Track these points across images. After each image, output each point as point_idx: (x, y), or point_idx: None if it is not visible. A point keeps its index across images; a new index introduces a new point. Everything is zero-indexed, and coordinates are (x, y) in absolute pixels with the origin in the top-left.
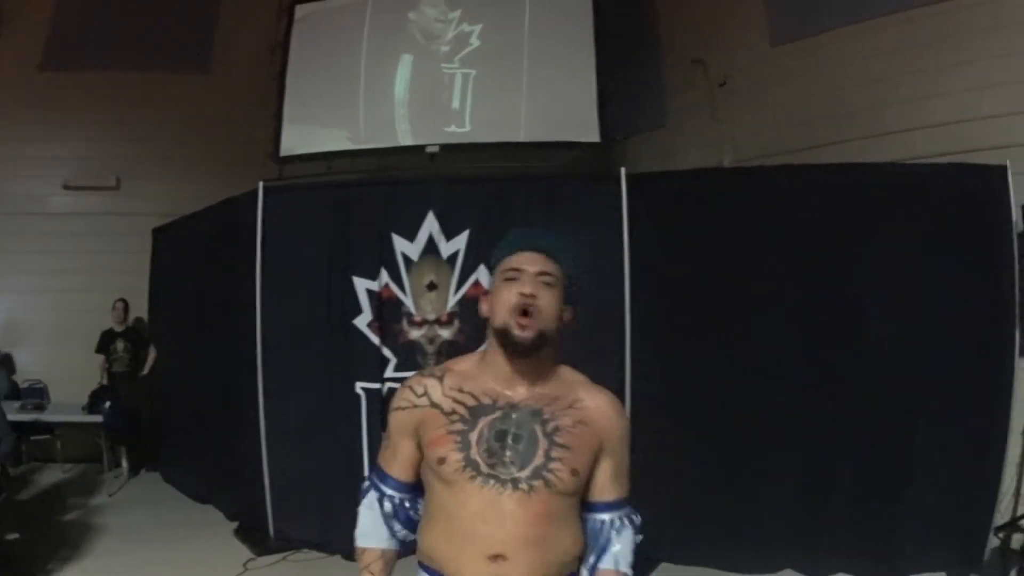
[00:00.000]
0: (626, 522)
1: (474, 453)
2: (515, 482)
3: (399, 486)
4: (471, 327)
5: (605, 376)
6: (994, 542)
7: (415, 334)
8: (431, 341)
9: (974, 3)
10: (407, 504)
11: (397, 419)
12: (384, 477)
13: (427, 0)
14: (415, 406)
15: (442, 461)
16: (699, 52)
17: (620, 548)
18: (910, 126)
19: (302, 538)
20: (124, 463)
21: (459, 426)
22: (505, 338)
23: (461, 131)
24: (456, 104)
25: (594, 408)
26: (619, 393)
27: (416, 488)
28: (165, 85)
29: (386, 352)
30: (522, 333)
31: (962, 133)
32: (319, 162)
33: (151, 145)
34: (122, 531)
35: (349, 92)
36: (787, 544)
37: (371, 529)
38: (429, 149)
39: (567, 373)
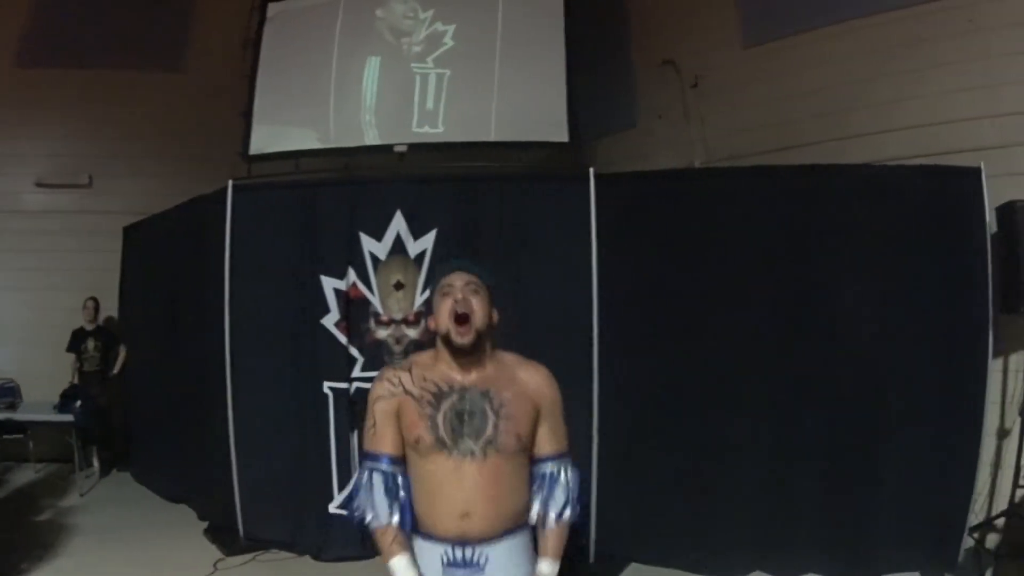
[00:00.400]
0: (563, 470)
1: (441, 432)
2: (473, 452)
3: (391, 460)
4: None
5: (572, 375)
6: (969, 542)
7: (382, 334)
8: (398, 341)
9: (949, 6)
10: (398, 479)
11: (381, 407)
12: (377, 457)
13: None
14: (393, 395)
15: (418, 440)
16: (670, 53)
17: (559, 494)
18: (882, 128)
19: (271, 538)
20: (95, 463)
21: (428, 410)
22: (449, 343)
23: (431, 131)
24: (427, 104)
25: (529, 381)
26: (587, 392)
27: (403, 461)
28: (139, 83)
29: (353, 352)
30: (461, 339)
31: (935, 136)
32: (288, 161)
33: (124, 143)
34: (94, 531)
35: (319, 91)
36: (757, 545)
37: (380, 508)
38: (397, 148)
39: (504, 356)
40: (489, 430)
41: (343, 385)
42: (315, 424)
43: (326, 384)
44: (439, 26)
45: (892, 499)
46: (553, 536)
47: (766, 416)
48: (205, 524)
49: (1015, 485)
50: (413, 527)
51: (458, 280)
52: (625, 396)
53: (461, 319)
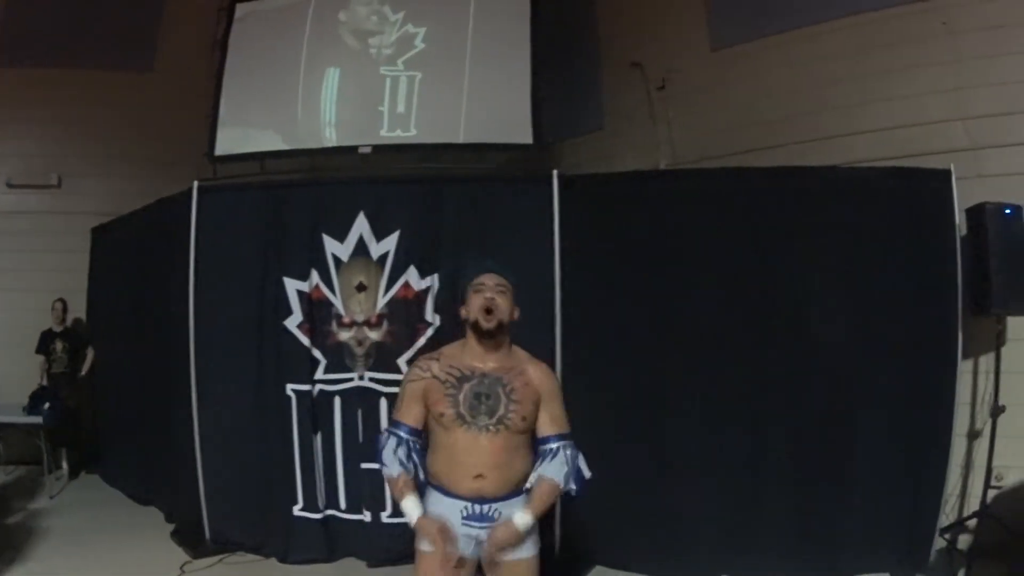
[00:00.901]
0: (561, 450)
1: (462, 409)
2: (487, 427)
3: (410, 431)
4: (400, 328)
5: None
6: (940, 543)
7: (344, 335)
8: (360, 343)
9: (921, 9)
10: (414, 445)
11: (411, 388)
12: (399, 425)
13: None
14: (422, 378)
15: (441, 415)
16: (638, 55)
17: (551, 465)
18: (851, 131)
19: (237, 541)
20: (65, 465)
21: (451, 391)
22: (476, 328)
23: (395, 132)
24: (392, 106)
25: (534, 374)
26: None
27: (420, 432)
28: (109, 83)
29: (316, 354)
30: (487, 324)
31: (904, 138)
32: (253, 162)
33: (93, 143)
34: (63, 533)
35: (285, 92)
36: (722, 548)
37: (392, 464)
38: (362, 150)
39: (517, 351)
40: (501, 410)
41: (306, 387)
42: (279, 426)
43: (289, 386)
44: (410, 28)
45: (861, 500)
46: (537, 495)
47: (732, 417)
48: (172, 527)
49: (987, 486)
50: (436, 486)
51: (489, 280)
52: (589, 398)
53: (489, 312)
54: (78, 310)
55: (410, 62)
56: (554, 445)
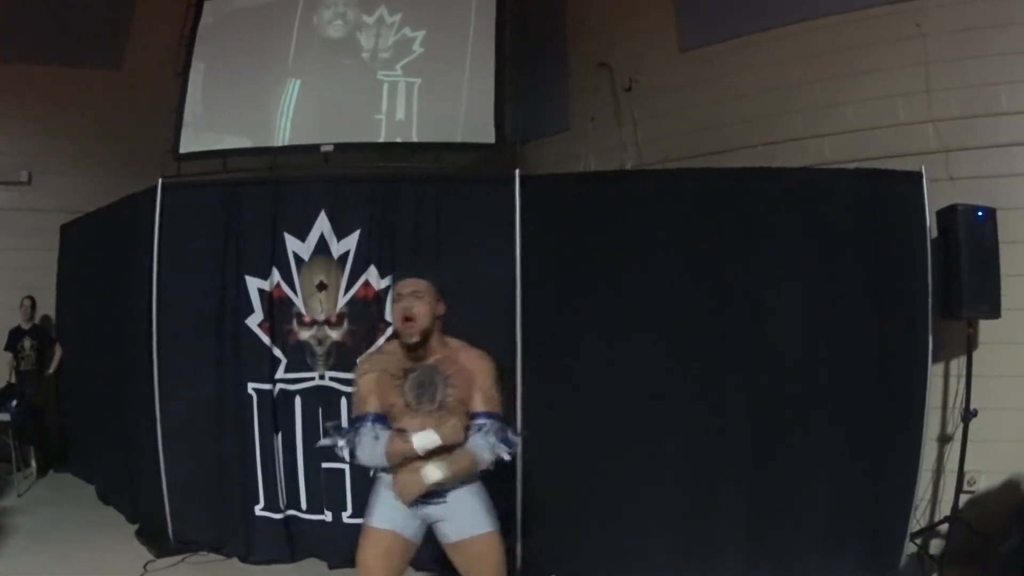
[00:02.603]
0: (489, 426)
1: (408, 398)
2: (430, 412)
3: (374, 417)
4: (361, 327)
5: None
6: (912, 548)
7: (305, 335)
8: (320, 342)
9: (892, 12)
10: (380, 428)
11: (366, 381)
12: (363, 418)
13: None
14: (375, 371)
15: (392, 406)
16: (606, 56)
17: (476, 439)
18: (820, 132)
19: (199, 540)
20: (33, 463)
21: (398, 382)
22: (400, 339)
23: (359, 130)
24: (353, 105)
25: (467, 360)
26: (510, 394)
27: (384, 418)
28: (78, 80)
29: (277, 353)
30: (409, 338)
31: (874, 140)
32: (216, 160)
33: (63, 140)
34: (28, 532)
35: (249, 91)
36: (681, 555)
37: (373, 453)
38: (324, 148)
39: (451, 341)
40: (439, 395)
41: (267, 386)
42: (240, 426)
43: (250, 385)
44: (382, 24)
45: (829, 505)
46: (455, 458)
47: (693, 420)
48: (137, 526)
49: (958, 490)
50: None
51: (405, 288)
52: (549, 398)
53: (408, 320)
54: (47, 308)
55: (378, 60)
56: (482, 421)
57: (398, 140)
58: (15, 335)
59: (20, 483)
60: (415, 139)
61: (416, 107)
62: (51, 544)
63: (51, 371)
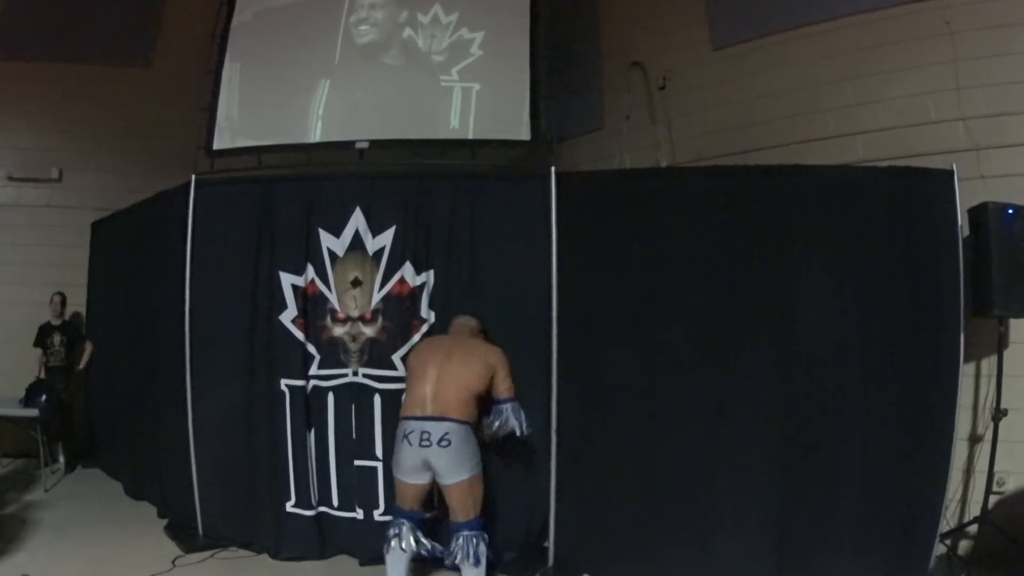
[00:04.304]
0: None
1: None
2: None
3: None
4: (395, 324)
5: (531, 373)
6: (941, 549)
7: (338, 331)
8: (354, 339)
9: (921, 9)
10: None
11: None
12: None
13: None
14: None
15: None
16: (639, 55)
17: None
18: (851, 131)
19: (230, 536)
20: (60, 458)
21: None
22: None
23: (394, 127)
24: (390, 101)
25: (488, 351)
26: (545, 389)
27: None
28: (109, 78)
29: (310, 349)
30: None
31: (905, 138)
32: (250, 156)
33: (94, 138)
34: (55, 526)
35: (283, 89)
36: (712, 555)
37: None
38: (359, 144)
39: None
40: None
41: (300, 383)
42: (272, 422)
43: (283, 381)
44: (408, 29)
45: (859, 505)
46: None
47: (725, 420)
48: (165, 521)
49: (988, 491)
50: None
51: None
52: (584, 394)
53: None
54: (76, 304)
55: (402, 56)
56: (509, 404)
57: (433, 137)
58: (45, 331)
59: (47, 478)
60: (453, 135)
61: (453, 104)
62: (79, 538)
63: (81, 367)
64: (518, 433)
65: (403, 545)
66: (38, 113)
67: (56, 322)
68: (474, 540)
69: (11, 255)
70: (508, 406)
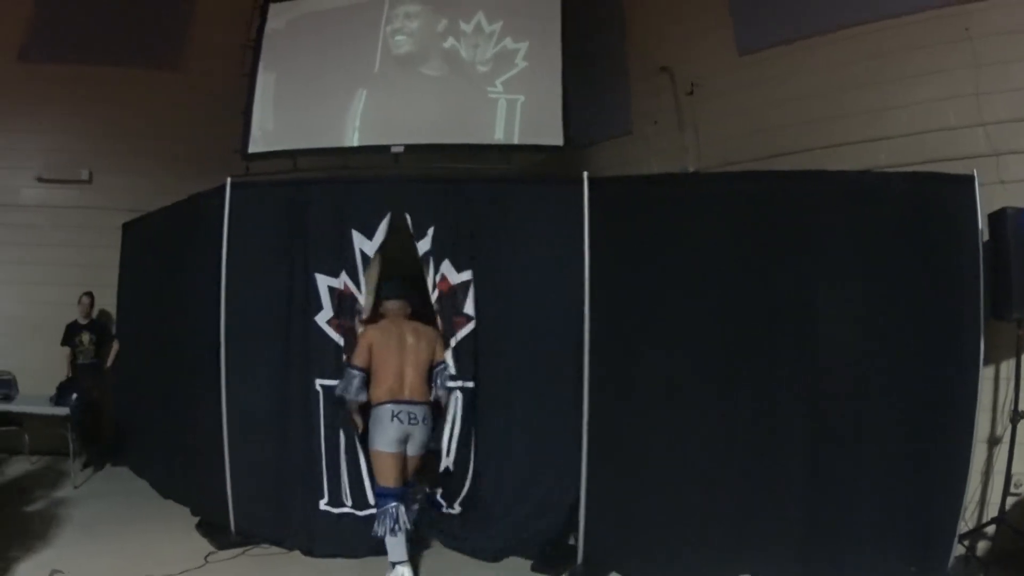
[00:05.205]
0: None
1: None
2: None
3: (362, 371)
4: (440, 322)
5: (564, 373)
6: (959, 550)
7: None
8: None
9: (942, 15)
10: (365, 381)
11: (365, 338)
12: (355, 367)
13: (396, 10)
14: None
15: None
16: (666, 60)
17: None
18: (875, 136)
19: (262, 533)
20: (91, 456)
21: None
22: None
23: (426, 132)
24: (430, 110)
25: (432, 332)
26: (578, 390)
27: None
28: (140, 80)
29: (343, 348)
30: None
31: (925, 143)
32: (285, 160)
33: (124, 140)
34: (86, 523)
35: (317, 92)
36: (736, 553)
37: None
38: (394, 149)
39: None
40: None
41: (333, 382)
42: (306, 421)
43: (317, 381)
44: (447, 35)
45: (879, 505)
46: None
47: (750, 422)
48: (197, 519)
49: (1006, 492)
50: (376, 404)
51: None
52: (616, 395)
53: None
54: (104, 304)
55: (443, 62)
56: (441, 367)
57: (469, 142)
58: (72, 330)
59: (77, 476)
60: (487, 141)
61: (499, 115)
62: (109, 535)
63: (108, 364)
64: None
65: (402, 525)
66: (67, 115)
67: (83, 321)
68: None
69: (39, 255)
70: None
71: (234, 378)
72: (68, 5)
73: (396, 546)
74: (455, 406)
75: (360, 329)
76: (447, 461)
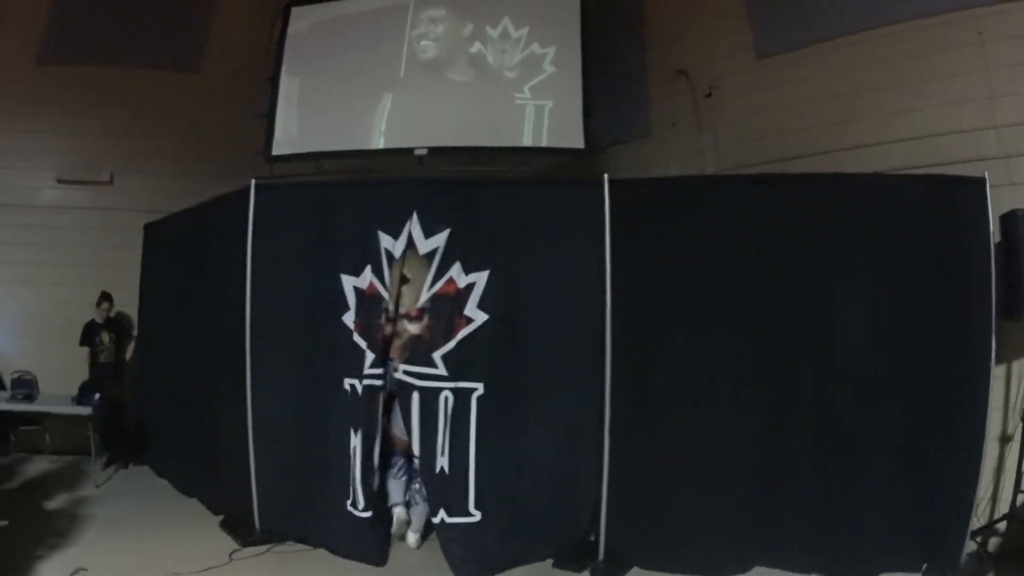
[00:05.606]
0: None
1: None
2: None
3: None
4: (439, 322)
5: (585, 373)
6: (971, 546)
7: (388, 329)
8: (398, 335)
9: (955, 19)
10: None
11: None
12: None
13: (421, 15)
14: None
15: None
16: (684, 63)
17: None
18: (888, 139)
19: (287, 530)
20: (112, 455)
21: None
22: None
23: (451, 135)
24: (455, 114)
25: None
26: (599, 390)
27: None
28: (160, 82)
29: (365, 348)
30: None
31: (939, 146)
32: (309, 162)
33: (144, 141)
34: (109, 521)
35: (341, 95)
36: (753, 548)
37: None
38: (417, 151)
39: None
40: None
41: (358, 381)
42: (330, 419)
43: (346, 380)
44: (470, 39)
45: (892, 502)
46: None
47: (766, 420)
48: (220, 517)
49: (1016, 490)
50: None
51: None
52: (634, 399)
53: None
54: (123, 305)
55: (468, 66)
56: None
57: (493, 144)
58: (91, 329)
59: (98, 475)
60: (519, 144)
61: (527, 121)
62: (133, 533)
63: (128, 358)
64: None
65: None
66: (90, 117)
67: (101, 320)
68: None
69: (60, 256)
70: None
71: (259, 377)
72: (85, 8)
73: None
74: (445, 407)
75: (388, 328)
76: (442, 461)
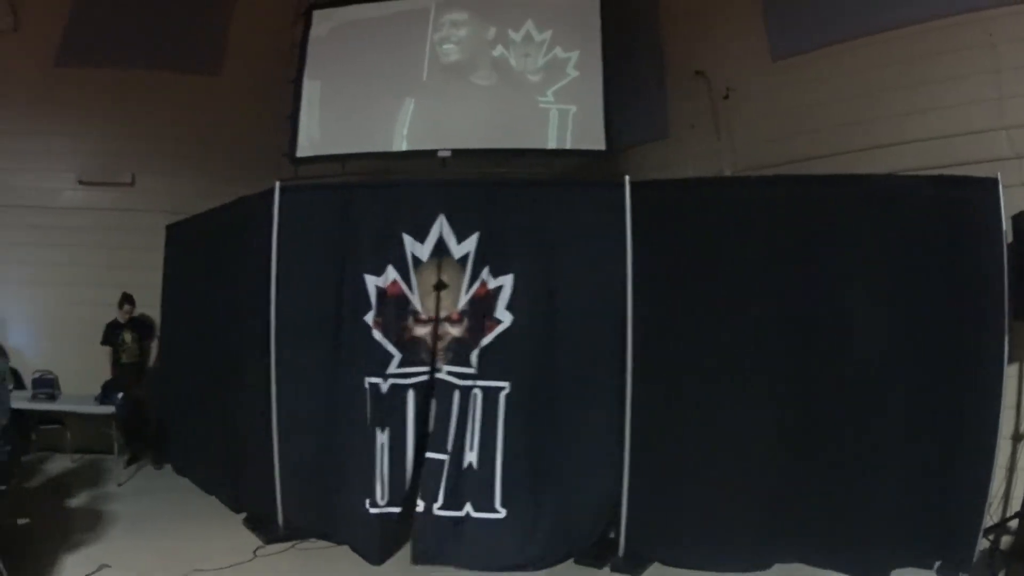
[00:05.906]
0: None
1: None
2: None
3: None
4: (475, 323)
5: (608, 371)
6: (984, 544)
7: (420, 331)
8: (440, 338)
9: (967, 20)
10: None
11: None
12: None
13: (443, 19)
14: None
15: None
16: (702, 65)
17: None
18: (901, 139)
19: (310, 527)
20: (134, 453)
21: None
22: None
23: (474, 138)
24: (478, 117)
25: None
26: (621, 387)
27: None
28: (179, 84)
29: (390, 348)
30: None
31: (951, 147)
32: (333, 163)
33: (165, 143)
34: (132, 519)
35: (364, 98)
36: (769, 543)
37: None
38: (441, 153)
39: None
40: None
41: (381, 380)
42: (354, 417)
43: (367, 380)
44: (493, 42)
45: (907, 501)
46: None
47: (782, 418)
48: (243, 515)
49: None
50: None
51: None
52: (660, 395)
53: None
54: (145, 306)
55: (491, 69)
56: None
57: (514, 147)
58: (113, 329)
59: (120, 473)
60: (528, 145)
61: (551, 125)
62: (156, 531)
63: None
64: None
65: None
66: (112, 118)
67: (123, 320)
68: None
69: (81, 257)
70: None
71: (283, 377)
72: (106, 10)
73: None
74: (475, 404)
75: (419, 330)
76: (470, 456)
